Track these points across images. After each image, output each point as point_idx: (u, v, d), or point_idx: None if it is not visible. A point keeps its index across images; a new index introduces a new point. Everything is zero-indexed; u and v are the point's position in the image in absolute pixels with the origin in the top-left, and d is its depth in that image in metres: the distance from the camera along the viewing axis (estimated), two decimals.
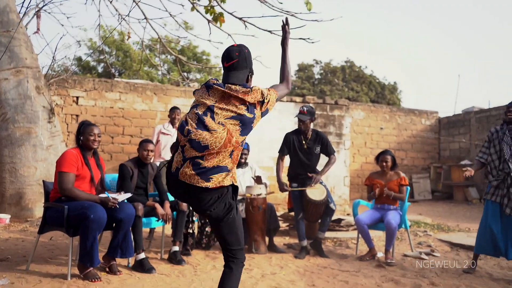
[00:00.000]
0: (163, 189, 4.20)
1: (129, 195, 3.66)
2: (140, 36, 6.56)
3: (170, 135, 5.97)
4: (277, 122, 7.97)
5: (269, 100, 2.19)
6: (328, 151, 4.73)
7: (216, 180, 2.07)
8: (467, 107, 12.95)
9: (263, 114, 2.21)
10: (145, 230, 5.32)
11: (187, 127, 2.08)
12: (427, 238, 5.68)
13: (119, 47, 14.66)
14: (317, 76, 20.85)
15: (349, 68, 19.85)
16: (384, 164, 4.66)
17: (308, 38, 4.69)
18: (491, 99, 46.73)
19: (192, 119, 2.10)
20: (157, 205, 3.91)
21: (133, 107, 9.54)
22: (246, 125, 2.10)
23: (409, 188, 4.70)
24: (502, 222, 3.89)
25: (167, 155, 5.70)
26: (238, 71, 2.15)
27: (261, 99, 2.15)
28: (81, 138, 3.49)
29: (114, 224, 3.47)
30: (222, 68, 2.26)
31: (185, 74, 15.49)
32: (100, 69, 15.92)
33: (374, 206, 4.75)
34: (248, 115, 2.10)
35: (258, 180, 4.90)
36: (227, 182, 2.11)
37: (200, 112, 2.10)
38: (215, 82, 2.17)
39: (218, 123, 2.06)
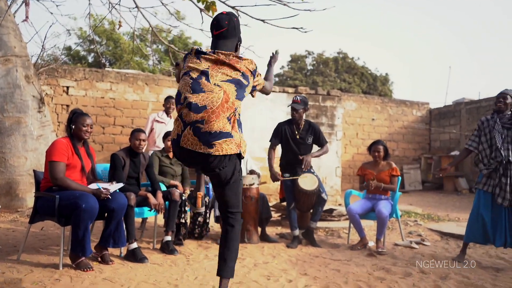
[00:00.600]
0: (155, 178, 4.19)
1: (121, 185, 3.63)
2: (131, 26, 6.50)
3: (165, 123, 5.96)
4: (269, 112, 7.97)
5: (259, 77, 2.28)
6: (321, 142, 4.74)
7: (220, 147, 2.04)
8: (457, 98, 13.05)
9: (252, 89, 2.27)
10: (137, 220, 5.32)
11: (183, 95, 2.08)
12: (417, 228, 5.74)
13: (109, 36, 14.48)
14: (309, 67, 20.83)
15: (341, 59, 19.85)
16: (377, 154, 4.68)
17: (301, 28, 4.67)
18: (481, 90, 47.21)
19: (186, 85, 2.10)
20: (149, 195, 3.90)
21: (124, 97, 9.47)
22: (241, 89, 2.14)
23: (400, 178, 4.74)
24: (493, 211, 3.94)
25: (161, 143, 5.68)
26: (227, 40, 2.15)
27: (251, 70, 2.19)
28: (73, 127, 3.46)
29: (106, 214, 3.46)
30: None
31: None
32: (90, 59, 15.73)
33: (366, 196, 4.79)
34: (244, 80, 2.14)
35: (251, 172, 4.93)
36: (232, 151, 2.08)
37: (194, 76, 2.10)
38: (206, 50, 2.20)
39: (214, 84, 2.06)
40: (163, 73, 10.99)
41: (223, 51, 2.15)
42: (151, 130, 5.97)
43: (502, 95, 3.98)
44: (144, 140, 4.03)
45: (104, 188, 3.40)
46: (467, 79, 45.37)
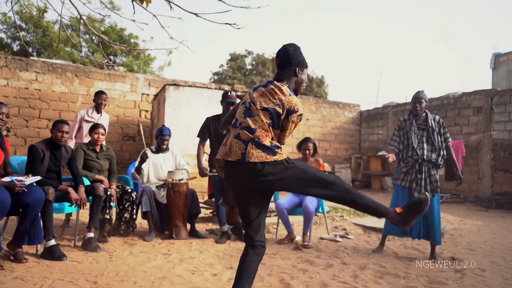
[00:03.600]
0: (78, 173, 3.99)
1: (38, 178, 3.42)
2: (58, 13, 6.10)
3: (94, 122, 5.59)
4: (205, 109, 7.91)
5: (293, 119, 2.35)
6: None
7: (279, 154, 2.25)
8: (388, 101, 13.80)
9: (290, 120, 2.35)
10: (60, 216, 5.06)
11: (239, 120, 2.35)
12: (343, 222, 5.99)
13: (37, 24, 13.60)
14: (248, 67, 20.99)
15: None
16: (307, 152, 4.80)
17: (234, 24, 4.67)
18: (408, 95, 50.29)
19: (240, 112, 2.40)
20: (70, 189, 3.71)
21: (51, 89, 8.96)
22: (277, 118, 2.31)
23: None
24: None
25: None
26: (282, 69, 2.44)
27: (288, 107, 2.31)
28: None
29: (21, 209, 3.25)
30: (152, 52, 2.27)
31: (111, 57, 14.79)
32: (16, 47, 14.68)
33: None
34: (278, 109, 2.31)
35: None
36: (284, 156, 2.31)
37: (247, 105, 2.38)
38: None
39: (258, 109, 2.32)
40: (95, 65, 10.52)
41: (279, 80, 2.43)
42: (79, 128, 5.57)
43: (418, 100, 4.25)
44: (67, 132, 3.83)
45: (18, 181, 3.19)
46: (396, 83, 48.16)
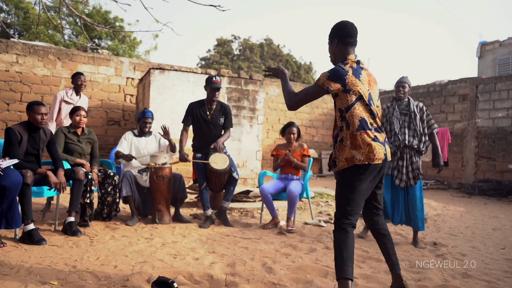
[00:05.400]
0: (58, 156, 3.90)
1: (15, 161, 3.33)
2: None
3: (73, 104, 5.44)
4: (191, 94, 7.82)
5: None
6: (226, 124, 4.73)
7: None
8: None
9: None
10: (42, 201, 4.97)
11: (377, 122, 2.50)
12: (328, 208, 6.01)
13: (18, 5, 13.23)
14: (235, 52, 20.80)
15: (267, 46, 20.05)
16: (292, 136, 4.78)
17: (219, 6, 4.58)
18: (394, 82, 50.51)
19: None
20: (50, 173, 3.62)
21: (33, 71, 8.74)
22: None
23: (311, 159, 4.90)
24: (392, 192, 4.22)
25: (68, 124, 5.22)
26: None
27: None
28: None
29: None
30: (130, 34, 2.20)
31: (96, 40, 14.49)
32: None
33: (279, 177, 4.89)
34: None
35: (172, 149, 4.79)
36: None
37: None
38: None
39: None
40: (78, 48, 10.28)
41: None
42: (59, 110, 5.42)
43: (402, 84, 4.24)
44: (46, 114, 3.72)
45: None
46: (383, 71, 48.35)
